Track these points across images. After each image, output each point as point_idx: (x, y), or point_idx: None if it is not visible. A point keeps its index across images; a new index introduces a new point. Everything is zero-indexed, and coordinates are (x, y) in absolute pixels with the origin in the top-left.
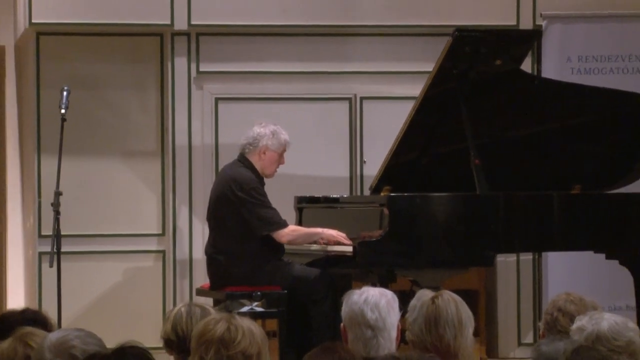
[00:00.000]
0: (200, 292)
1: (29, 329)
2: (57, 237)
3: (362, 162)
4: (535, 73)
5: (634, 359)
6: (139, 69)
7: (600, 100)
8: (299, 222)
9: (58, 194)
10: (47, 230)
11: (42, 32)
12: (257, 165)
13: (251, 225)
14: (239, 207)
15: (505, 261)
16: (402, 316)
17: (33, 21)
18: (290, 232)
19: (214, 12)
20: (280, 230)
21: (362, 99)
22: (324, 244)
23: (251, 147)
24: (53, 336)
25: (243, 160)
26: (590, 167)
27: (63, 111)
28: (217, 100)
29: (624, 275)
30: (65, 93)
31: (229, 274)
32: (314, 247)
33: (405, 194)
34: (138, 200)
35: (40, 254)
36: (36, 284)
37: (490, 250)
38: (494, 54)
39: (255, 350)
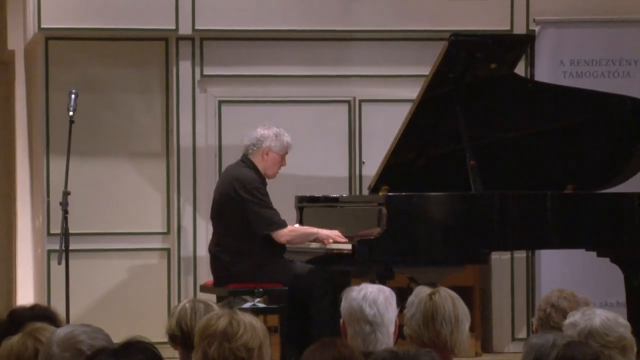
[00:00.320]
0: (204, 288)
1: (38, 324)
2: (66, 235)
3: (361, 162)
4: (529, 76)
5: (625, 353)
6: (145, 73)
7: (591, 103)
8: (300, 221)
9: (66, 193)
10: (56, 228)
11: (50, 37)
12: (260, 166)
13: (252, 224)
14: (241, 206)
15: (499, 259)
16: (400, 312)
17: (42, 26)
18: (288, 232)
19: (217, 18)
20: (279, 230)
21: (361, 101)
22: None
23: (254, 148)
24: (61, 331)
25: (246, 160)
26: (582, 168)
27: (71, 113)
28: (220, 102)
29: (615, 273)
30: (73, 96)
31: (231, 271)
32: (314, 245)
33: (403, 194)
34: (144, 200)
35: (49, 251)
36: (45, 281)
37: (485, 248)
38: (488, 58)
39: (257, 344)
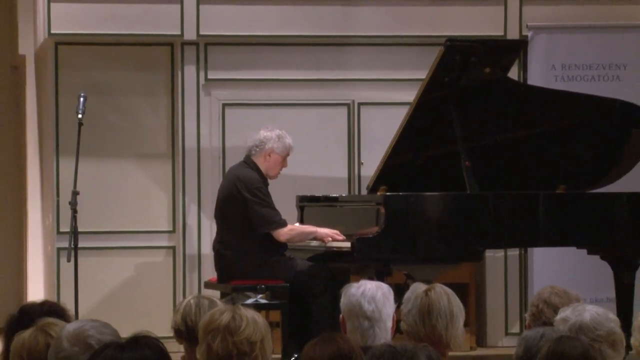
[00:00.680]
0: (208, 285)
1: (49, 319)
2: (75, 233)
3: (360, 163)
4: (522, 80)
5: (614, 347)
6: (151, 77)
7: (582, 106)
8: (301, 220)
9: (75, 193)
10: (65, 227)
11: (60, 42)
12: (262, 166)
13: (253, 223)
14: (244, 205)
15: (493, 256)
16: (397, 308)
17: (52, 32)
18: (288, 231)
19: (221, 24)
20: (279, 229)
21: (359, 104)
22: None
23: (257, 150)
24: (70, 326)
25: (249, 161)
26: (573, 168)
27: (80, 116)
28: (224, 105)
29: (605, 270)
30: (82, 99)
31: (235, 268)
32: (315, 243)
33: (400, 194)
34: (150, 199)
35: (59, 249)
36: (55, 278)
37: (480, 246)
38: (483, 63)
39: (259, 337)
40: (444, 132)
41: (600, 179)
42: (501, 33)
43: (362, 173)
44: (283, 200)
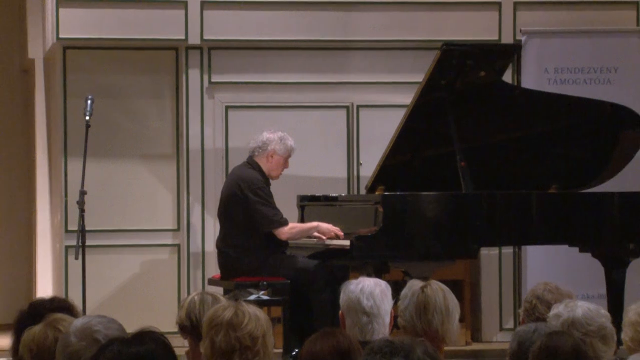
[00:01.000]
0: (212, 282)
1: (58, 315)
2: (82, 232)
3: (359, 164)
4: (516, 83)
5: (606, 342)
6: (156, 80)
7: (574, 108)
8: (301, 219)
9: (83, 193)
10: (73, 225)
11: (68, 47)
12: (265, 167)
13: (256, 221)
14: (246, 205)
15: (488, 254)
16: (395, 304)
17: (60, 36)
18: (289, 229)
19: (224, 28)
20: (280, 228)
21: (358, 107)
22: (321, 237)
23: (260, 151)
24: (78, 322)
25: (252, 162)
26: (565, 169)
27: (87, 118)
28: (227, 108)
29: (596, 267)
30: (89, 102)
31: (237, 265)
32: (315, 241)
33: (398, 193)
34: (155, 199)
35: (67, 247)
36: (63, 275)
37: (475, 244)
38: (478, 66)
39: (261, 333)
40: (440, 134)
41: (591, 179)
42: (496, 37)
43: (361, 173)
44: (284, 199)
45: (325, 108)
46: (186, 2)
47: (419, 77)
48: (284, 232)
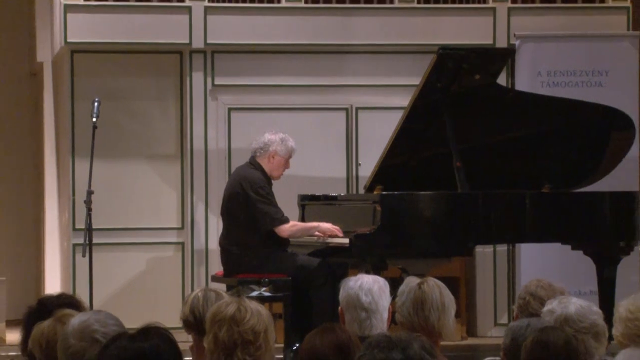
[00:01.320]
0: (215, 278)
1: (67, 310)
2: (89, 230)
3: (357, 164)
4: (510, 86)
5: (597, 338)
6: (161, 82)
7: (566, 110)
8: (302, 217)
9: (90, 192)
10: (80, 224)
11: (76, 50)
12: (266, 167)
13: (257, 220)
14: (248, 203)
15: (483, 252)
16: (393, 300)
17: (68, 40)
18: (290, 227)
19: (227, 33)
20: (282, 225)
21: (357, 109)
22: (321, 236)
23: (262, 152)
24: (75, 322)
25: (254, 162)
26: (558, 169)
27: (94, 120)
28: (229, 110)
29: (588, 264)
30: (96, 104)
31: (240, 263)
32: (315, 239)
33: (395, 193)
34: (160, 198)
35: (74, 245)
36: (70, 272)
37: (470, 242)
38: (473, 69)
39: (263, 328)
40: (436, 135)
41: (583, 179)
42: (490, 42)
43: (360, 173)
44: (286, 199)
45: (325, 110)
46: (190, 7)
47: (416, 80)
48: (285, 230)
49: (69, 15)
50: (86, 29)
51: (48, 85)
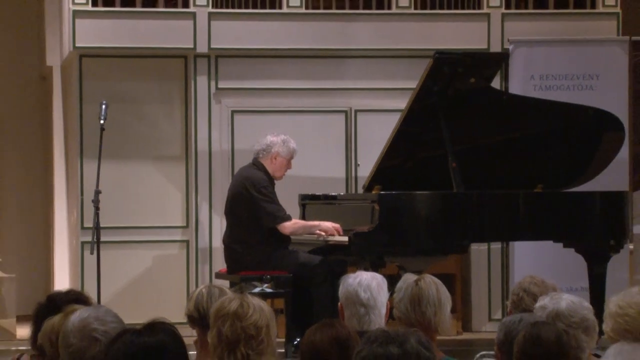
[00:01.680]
0: (219, 275)
1: (76, 306)
2: (97, 228)
3: (356, 165)
4: (504, 89)
5: (588, 333)
6: (166, 86)
7: (559, 113)
8: (303, 216)
9: (98, 192)
10: (88, 223)
11: (84, 55)
12: (269, 168)
13: (260, 218)
14: (251, 203)
15: (478, 249)
16: (390, 296)
17: (77, 45)
18: (292, 224)
19: (230, 38)
20: (284, 222)
21: (356, 111)
22: (321, 234)
23: (264, 153)
24: (75, 320)
25: (257, 163)
26: (550, 169)
27: (102, 122)
28: (233, 112)
29: (579, 262)
30: (104, 106)
31: (243, 260)
32: (315, 237)
33: (393, 192)
34: (165, 198)
35: (83, 243)
36: (79, 269)
37: (465, 240)
38: (468, 73)
39: (265, 323)
40: (432, 137)
41: (575, 179)
42: (485, 46)
43: (359, 174)
44: (287, 198)
45: (324, 112)
46: (195, 13)
47: (413, 84)
48: (287, 227)
49: (77, 21)
50: (94, 34)
51: (57, 89)
